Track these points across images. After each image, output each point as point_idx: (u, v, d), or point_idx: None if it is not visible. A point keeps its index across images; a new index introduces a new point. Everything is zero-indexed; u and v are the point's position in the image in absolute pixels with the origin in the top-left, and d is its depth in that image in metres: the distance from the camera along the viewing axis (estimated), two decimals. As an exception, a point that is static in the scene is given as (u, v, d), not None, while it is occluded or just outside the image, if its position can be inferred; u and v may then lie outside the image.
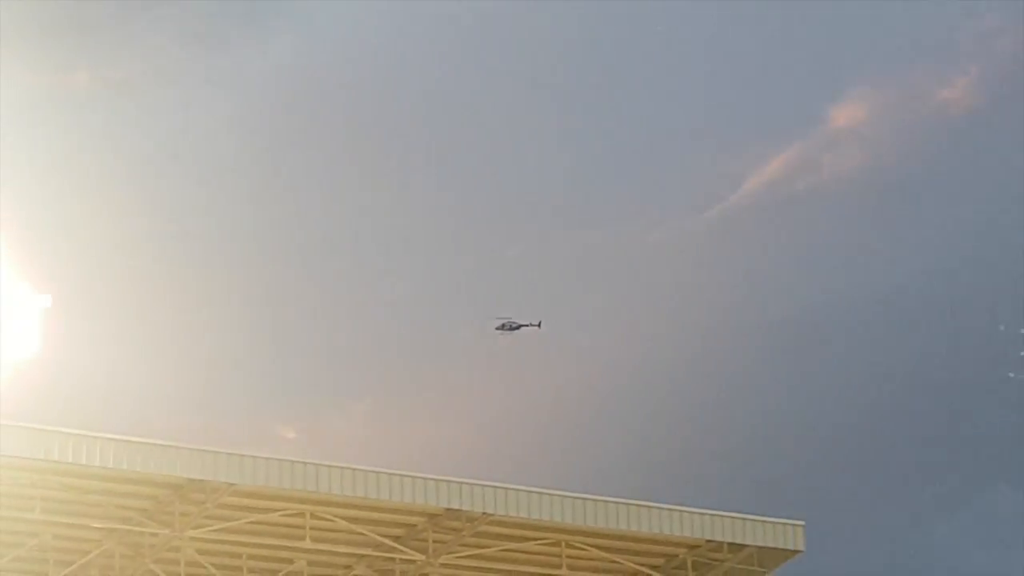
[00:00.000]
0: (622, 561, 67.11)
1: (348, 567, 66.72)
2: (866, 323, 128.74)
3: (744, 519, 67.72)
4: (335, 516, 63.84)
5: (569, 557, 66.69)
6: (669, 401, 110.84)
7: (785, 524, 68.19)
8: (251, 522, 63.02)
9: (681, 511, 67.05)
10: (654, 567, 67.96)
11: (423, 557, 65.73)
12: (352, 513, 64.07)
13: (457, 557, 65.99)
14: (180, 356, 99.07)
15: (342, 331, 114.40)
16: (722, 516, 67.42)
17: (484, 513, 64.27)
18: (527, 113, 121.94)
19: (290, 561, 65.56)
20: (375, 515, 64.79)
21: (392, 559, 66.44)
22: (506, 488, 65.53)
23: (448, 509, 64.14)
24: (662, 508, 67.00)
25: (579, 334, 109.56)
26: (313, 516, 63.63)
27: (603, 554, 66.78)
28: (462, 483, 64.86)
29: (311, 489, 62.55)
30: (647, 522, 66.40)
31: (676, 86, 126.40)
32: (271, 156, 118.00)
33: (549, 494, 65.96)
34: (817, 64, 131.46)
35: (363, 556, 66.35)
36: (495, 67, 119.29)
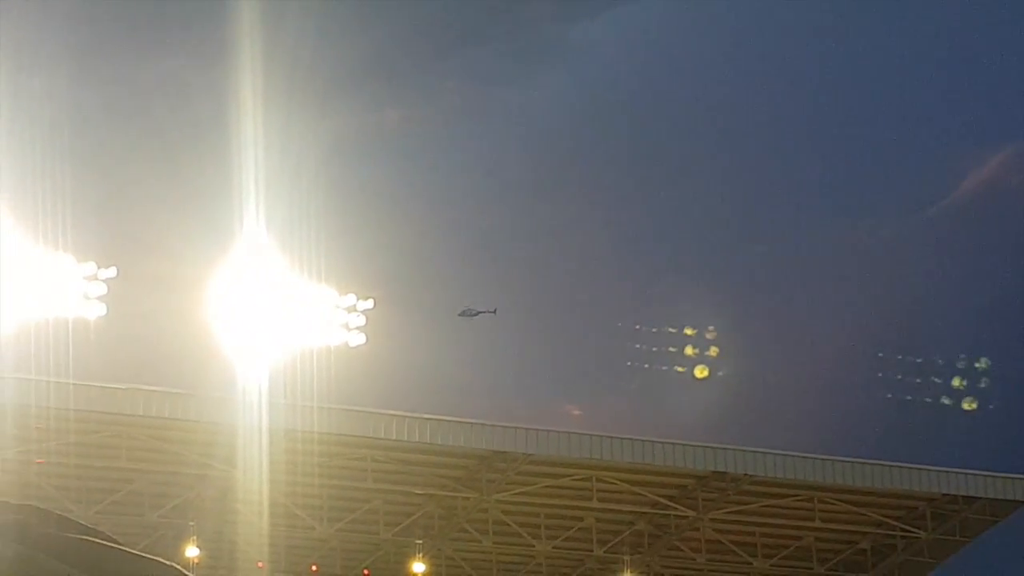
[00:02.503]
0: (868, 513, 66.36)
1: (630, 523, 66.73)
2: None
3: (976, 474, 66.75)
4: (617, 480, 64.22)
5: (821, 511, 66.04)
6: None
7: (1014, 479, 67.03)
8: (546, 486, 63.55)
9: (921, 469, 66.55)
10: (897, 518, 67.07)
11: (694, 513, 65.65)
12: (632, 476, 64.44)
13: (724, 513, 65.67)
14: (480, 347, 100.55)
15: (610, 326, 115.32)
16: (957, 472, 66.54)
17: (746, 474, 64.21)
18: (789, 116, 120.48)
19: (580, 519, 65.65)
20: (652, 478, 64.98)
21: (667, 515, 66.46)
22: (764, 452, 65.55)
23: (715, 471, 64.22)
24: (904, 466, 66.52)
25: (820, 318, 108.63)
26: (599, 480, 63.94)
27: (851, 508, 66.10)
28: (726, 448, 65.10)
29: (596, 457, 63.20)
30: (890, 479, 65.93)
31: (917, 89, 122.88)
32: (557, 175, 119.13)
33: (803, 456, 65.75)
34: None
35: (643, 513, 66.41)
36: (749, 83, 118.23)
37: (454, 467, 62.85)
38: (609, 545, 66.56)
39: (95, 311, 57.43)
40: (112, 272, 57.70)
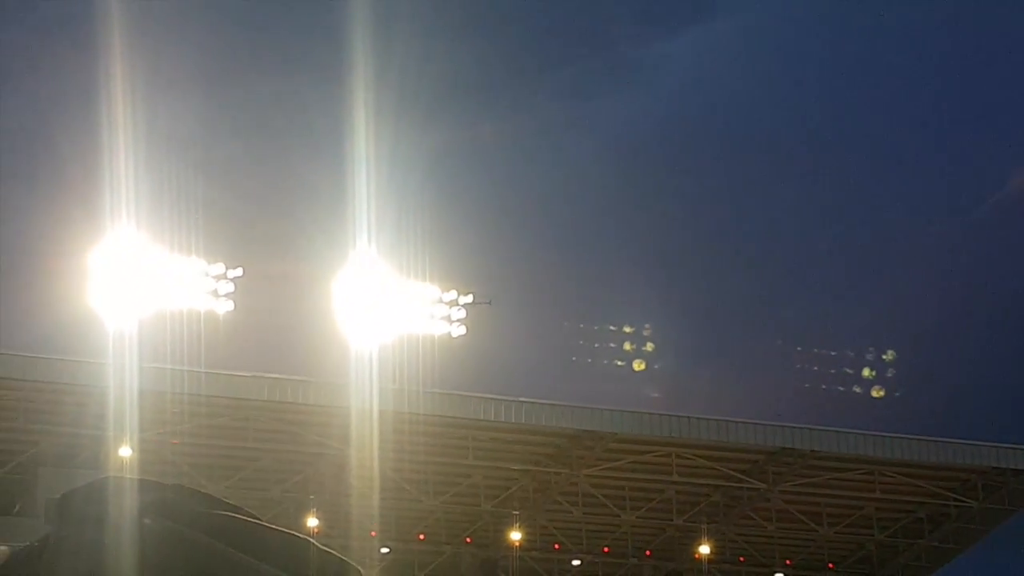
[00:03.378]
0: (924, 485, 66.38)
1: (707, 495, 66.85)
2: None
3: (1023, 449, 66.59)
4: (695, 455, 64.34)
5: (881, 484, 66.07)
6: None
7: (1061, 453, 66.77)
8: (630, 462, 63.71)
9: (972, 444, 66.41)
10: (951, 489, 67.08)
11: (765, 486, 65.58)
12: (708, 452, 64.52)
13: (792, 485, 65.61)
14: (573, 337, 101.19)
15: (709, 312, 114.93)
16: (1006, 447, 66.42)
17: (812, 450, 64.15)
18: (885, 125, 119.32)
19: (661, 491, 65.77)
20: (726, 454, 64.97)
21: (740, 488, 66.39)
22: (828, 430, 65.48)
23: (783, 448, 64.20)
24: (956, 442, 66.37)
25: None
26: (678, 456, 64.06)
27: (908, 480, 66.15)
28: (793, 427, 65.12)
29: (676, 435, 63.42)
30: (944, 453, 65.80)
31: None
32: (639, 182, 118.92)
33: (864, 434, 65.63)
34: None
35: (718, 486, 66.41)
36: (811, 96, 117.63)
37: (547, 445, 63.25)
38: (688, 515, 66.55)
39: (224, 307, 58.00)
40: (239, 272, 58.34)
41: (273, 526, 1.91)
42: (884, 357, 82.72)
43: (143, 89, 55.15)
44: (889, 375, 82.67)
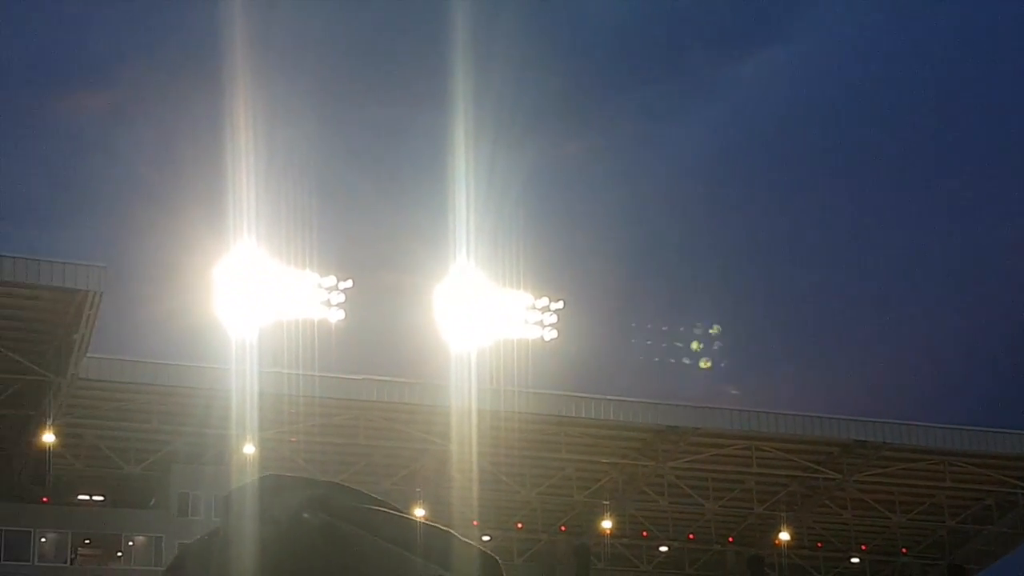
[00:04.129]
0: (991, 474, 66.28)
1: (785, 485, 66.90)
2: None
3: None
4: (773, 448, 64.66)
5: (951, 473, 66.06)
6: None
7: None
8: (712, 454, 64.10)
9: None
10: (1018, 478, 66.93)
11: (840, 476, 65.70)
12: (786, 445, 64.78)
13: (866, 475, 65.60)
14: (655, 340, 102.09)
15: (781, 314, 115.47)
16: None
17: (884, 442, 64.28)
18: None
19: (742, 481, 65.94)
20: (802, 446, 65.21)
21: (817, 478, 66.46)
22: (898, 423, 65.57)
23: (855, 440, 64.30)
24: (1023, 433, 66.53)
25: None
26: (757, 448, 64.44)
27: (977, 469, 66.06)
28: (865, 420, 65.35)
29: (755, 430, 63.88)
30: (1012, 444, 65.90)
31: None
32: (712, 193, 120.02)
33: (935, 427, 66.03)
34: None
35: (795, 477, 66.53)
36: (872, 115, 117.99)
37: (634, 440, 63.72)
38: (767, 504, 66.83)
39: (335, 316, 58.43)
40: (349, 283, 58.92)
41: (418, 519, 1.98)
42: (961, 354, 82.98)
43: (264, 118, 56.41)
44: (964, 370, 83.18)
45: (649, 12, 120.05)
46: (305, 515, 1.75)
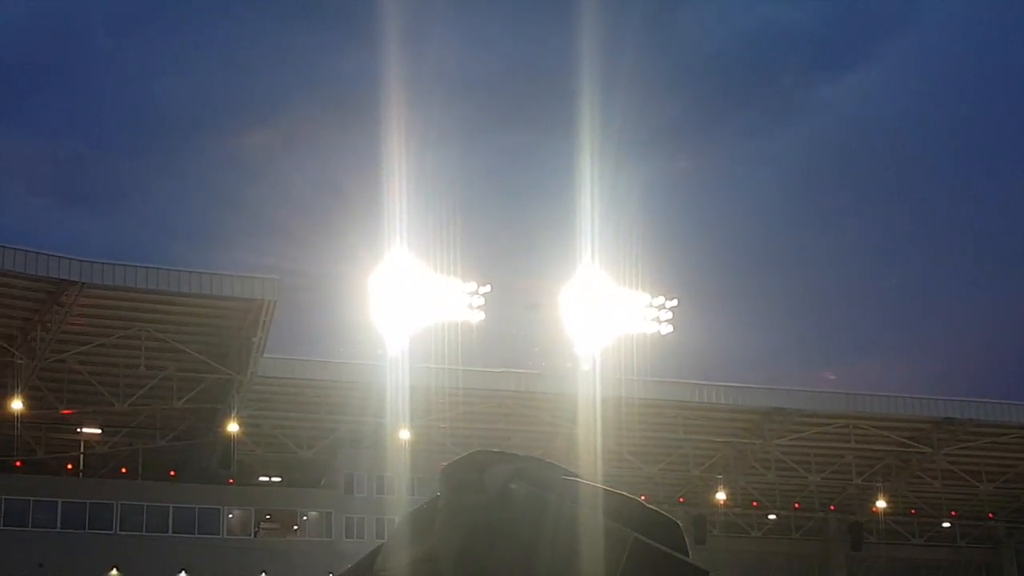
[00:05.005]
0: None
1: (881, 459, 67.47)
2: None
3: None
4: (869, 426, 65.52)
5: None
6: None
7: None
8: (814, 432, 65.04)
9: None
10: None
11: (931, 450, 66.53)
12: (880, 423, 65.58)
13: (954, 449, 66.24)
14: (760, 332, 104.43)
15: (856, 311, 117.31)
16: None
17: (971, 419, 64.96)
18: None
19: (841, 456, 66.60)
20: (896, 424, 66.02)
21: (909, 452, 67.15)
22: (984, 401, 66.32)
23: (945, 417, 65.13)
24: None
25: None
26: (854, 427, 65.42)
27: None
28: (953, 400, 66.27)
29: (853, 410, 64.96)
30: None
31: None
32: (807, 204, 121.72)
33: (1018, 404, 66.61)
34: None
35: (890, 451, 67.15)
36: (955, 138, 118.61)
37: (744, 421, 64.85)
38: (865, 475, 67.35)
39: (476, 317, 59.47)
40: (488, 288, 59.93)
41: (608, 488, 1.94)
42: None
43: (413, 145, 56.63)
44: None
45: (743, 45, 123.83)
46: (512, 485, 1.71)
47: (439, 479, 1.76)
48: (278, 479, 63.61)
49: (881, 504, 67.83)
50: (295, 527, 62.18)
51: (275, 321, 56.92)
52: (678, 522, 1.77)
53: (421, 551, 1.71)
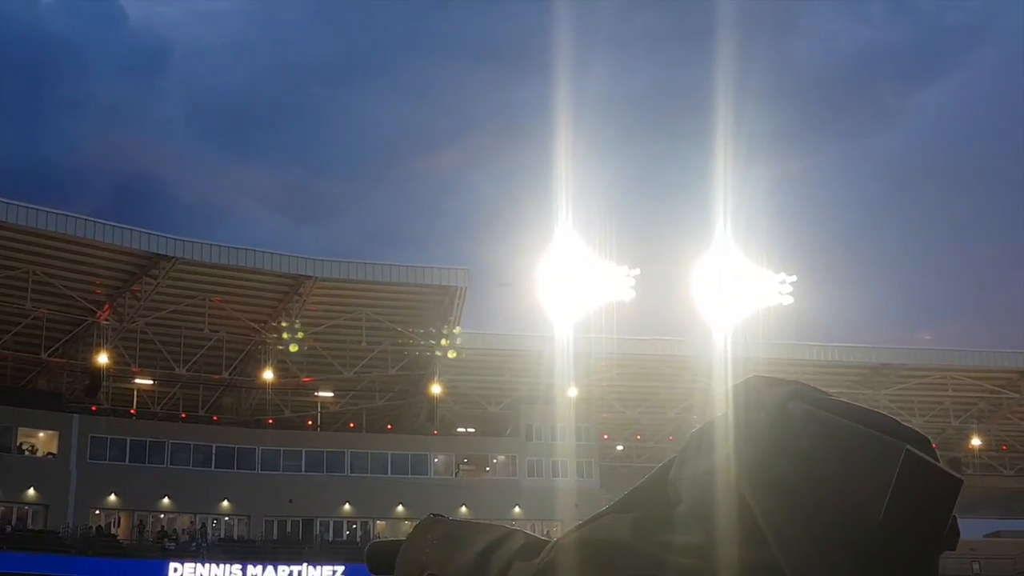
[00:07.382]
0: None
1: (974, 403, 70.93)
2: None
3: None
4: (964, 376, 69.26)
5: None
6: None
7: None
8: (917, 383, 69.01)
9: None
10: None
11: (1018, 395, 70.06)
12: (973, 373, 69.25)
13: None
14: (865, 300, 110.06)
15: (943, 285, 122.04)
16: None
17: None
18: None
19: (940, 402, 70.02)
20: (987, 374, 69.47)
21: (1000, 398, 70.51)
22: None
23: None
24: None
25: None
26: (951, 378, 69.19)
27: None
28: None
29: (949, 363, 68.59)
30: None
31: None
32: (901, 200, 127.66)
33: None
34: None
35: (982, 396, 70.66)
36: None
37: (855, 375, 68.02)
38: (961, 418, 70.99)
39: (629, 295, 61.34)
40: (638, 271, 62.03)
41: (866, 407, 1.72)
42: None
43: (575, 156, 58.40)
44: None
45: (846, 63, 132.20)
46: (789, 405, 1.59)
47: (726, 397, 1.70)
48: (472, 430, 66.91)
49: (976, 442, 70.52)
50: (487, 468, 65.79)
51: (467, 303, 62.40)
52: (928, 438, 1.66)
53: (705, 465, 1.65)
